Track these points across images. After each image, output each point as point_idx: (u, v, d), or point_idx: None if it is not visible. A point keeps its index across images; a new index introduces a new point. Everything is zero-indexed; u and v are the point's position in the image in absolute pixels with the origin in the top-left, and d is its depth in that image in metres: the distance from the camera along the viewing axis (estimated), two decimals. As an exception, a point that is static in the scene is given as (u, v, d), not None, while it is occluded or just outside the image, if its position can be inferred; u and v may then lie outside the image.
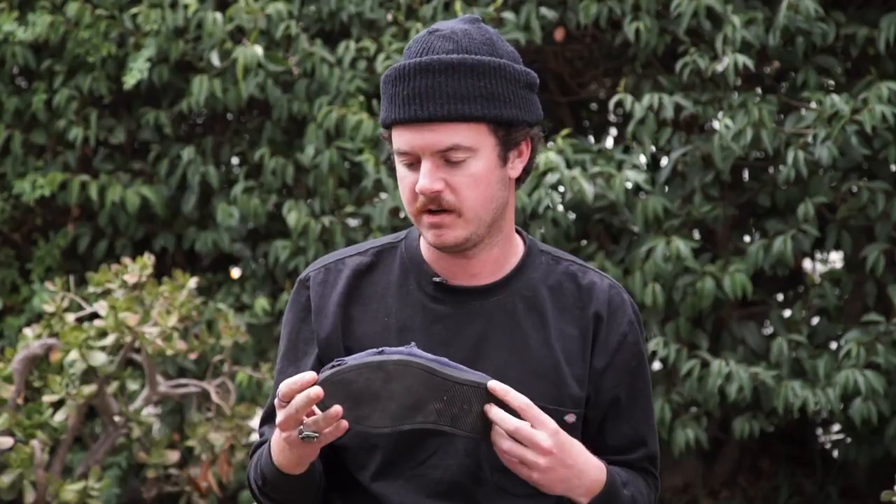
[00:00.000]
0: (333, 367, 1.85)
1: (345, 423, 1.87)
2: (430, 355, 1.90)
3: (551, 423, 1.92)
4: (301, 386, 1.85)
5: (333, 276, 2.10)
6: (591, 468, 1.97)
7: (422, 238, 2.10)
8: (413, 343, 1.92)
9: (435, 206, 1.97)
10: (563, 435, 1.94)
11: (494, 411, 1.90)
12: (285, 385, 1.86)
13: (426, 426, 1.91)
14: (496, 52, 2.00)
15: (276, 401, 1.88)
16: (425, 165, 1.95)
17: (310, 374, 1.85)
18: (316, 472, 2.03)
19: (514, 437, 1.90)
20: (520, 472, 1.94)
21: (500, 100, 1.97)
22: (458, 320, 2.03)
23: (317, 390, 1.83)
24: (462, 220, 1.97)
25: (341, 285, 2.08)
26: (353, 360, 1.86)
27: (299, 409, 1.85)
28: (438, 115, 1.94)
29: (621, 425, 2.08)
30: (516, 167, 2.03)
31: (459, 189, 1.96)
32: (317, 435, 1.87)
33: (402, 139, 1.97)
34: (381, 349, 1.88)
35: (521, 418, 1.91)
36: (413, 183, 1.97)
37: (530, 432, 1.90)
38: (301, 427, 1.86)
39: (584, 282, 2.09)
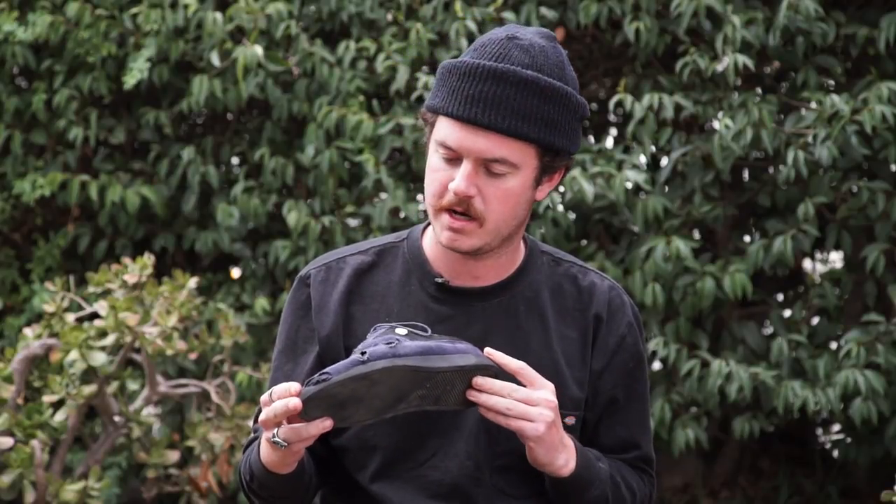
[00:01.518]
0: (318, 381, 1.84)
1: (315, 434, 1.87)
2: (413, 344, 1.88)
3: (549, 382, 1.94)
4: (289, 394, 1.85)
5: (335, 275, 2.09)
6: (566, 438, 1.98)
7: (424, 238, 2.09)
8: (392, 325, 1.91)
9: (461, 208, 1.96)
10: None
11: (488, 381, 1.90)
12: (281, 388, 1.86)
13: (409, 411, 1.91)
14: (564, 77, 1.99)
15: (264, 397, 1.88)
16: (465, 168, 1.95)
17: (296, 386, 1.85)
18: (305, 472, 2.02)
19: (519, 375, 1.91)
20: (519, 428, 1.91)
21: (556, 128, 1.96)
22: (460, 321, 2.03)
23: (295, 402, 1.83)
24: (482, 230, 1.97)
25: (342, 284, 2.08)
26: (336, 372, 1.84)
27: (277, 414, 1.85)
28: (498, 126, 1.93)
29: (616, 426, 2.09)
30: (544, 190, 2.03)
31: (490, 200, 1.96)
32: (285, 444, 1.87)
33: (451, 134, 1.95)
34: (363, 351, 1.86)
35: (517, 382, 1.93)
36: (446, 178, 1.96)
37: (536, 377, 1.92)
38: (274, 431, 1.87)
39: (585, 283, 2.10)
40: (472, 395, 1.90)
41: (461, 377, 1.90)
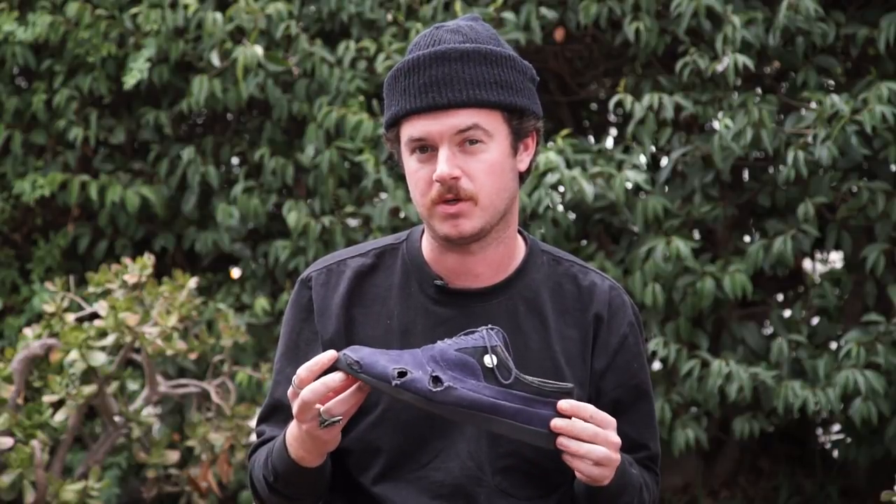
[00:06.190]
0: (349, 364, 1.83)
1: (361, 399, 1.87)
2: (464, 393, 1.83)
3: (612, 419, 1.92)
4: (321, 367, 1.85)
5: (335, 278, 2.09)
6: (615, 456, 1.96)
7: (423, 239, 2.09)
8: (487, 346, 1.87)
9: (452, 194, 1.97)
10: None
11: (569, 423, 1.87)
12: (304, 369, 1.85)
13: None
14: (501, 45, 2.03)
15: (290, 390, 1.88)
16: (443, 153, 1.96)
17: (330, 353, 1.85)
18: (328, 465, 2.03)
19: (594, 440, 1.88)
20: (591, 476, 1.91)
21: (512, 88, 1.99)
22: (460, 323, 2.02)
23: (338, 378, 1.84)
24: (478, 208, 1.98)
25: (343, 287, 2.08)
26: (369, 367, 1.83)
27: (310, 400, 1.84)
28: (457, 101, 1.95)
29: (623, 426, 2.08)
30: (524, 160, 2.04)
31: (476, 176, 1.97)
32: (339, 418, 1.87)
33: (417, 128, 1.97)
34: (403, 371, 1.83)
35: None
36: (427, 174, 1.97)
37: (606, 434, 1.90)
38: (320, 415, 1.86)
39: (585, 283, 2.10)
40: (561, 443, 1.87)
41: (515, 432, 1.87)
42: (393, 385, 1.83)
